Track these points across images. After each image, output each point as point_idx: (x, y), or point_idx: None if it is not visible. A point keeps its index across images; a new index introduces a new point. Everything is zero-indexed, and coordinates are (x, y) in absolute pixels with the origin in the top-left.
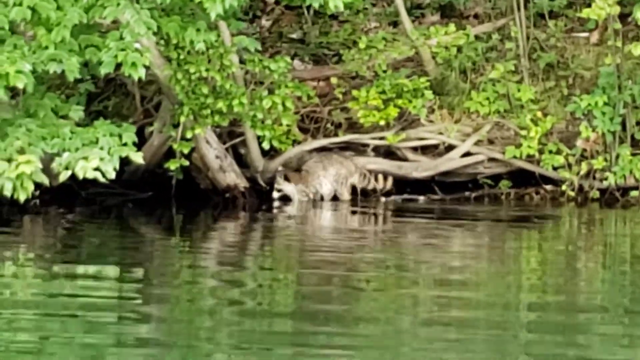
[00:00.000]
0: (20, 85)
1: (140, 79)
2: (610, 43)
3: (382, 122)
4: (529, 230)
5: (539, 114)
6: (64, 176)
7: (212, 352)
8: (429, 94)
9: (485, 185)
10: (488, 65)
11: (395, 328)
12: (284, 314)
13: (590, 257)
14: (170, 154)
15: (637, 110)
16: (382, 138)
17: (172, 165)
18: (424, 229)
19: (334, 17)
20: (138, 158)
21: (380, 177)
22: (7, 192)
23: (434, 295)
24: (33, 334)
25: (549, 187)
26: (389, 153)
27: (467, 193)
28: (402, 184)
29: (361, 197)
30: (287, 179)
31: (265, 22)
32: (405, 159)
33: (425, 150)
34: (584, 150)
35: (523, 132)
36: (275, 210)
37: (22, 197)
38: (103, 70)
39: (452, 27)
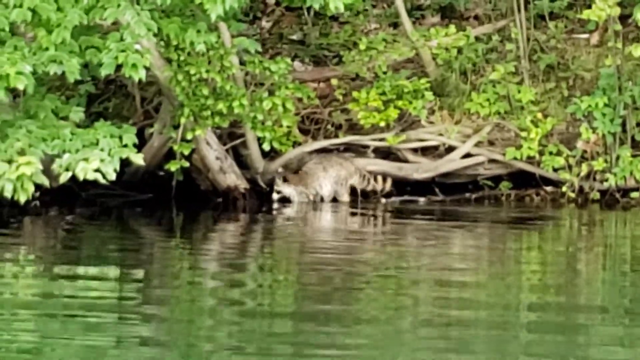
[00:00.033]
0: (20, 87)
1: (140, 81)
2: (610, 44)
3: (382, 124)
4: (529, 232)
5: (539, 115)
6: (64, 177)
7: (212, 352)
8: (429, 95)
9: (485, 187)
10: (488, 66)
11: (395, 328)
12: (284, 314)
13: (591, 258)
14: (170, 155)
15: (637, 112)
16: (382, 139)
17: (173, 166)
18: (424, 230)
19: (334, 18)
20: (138, 159)
21: (380, 178)
22: (8, 194)
23: (434, 296)
24: (33, 335)
25: (549, 188)
26: (389, 154)
27: (467, 194)
28: (403, 186)
29: (361, 199)
30: (286, 180)
31: (266, 24)
32: (405, 160)
33: (425, 151)
34: (584, 151)
35: (523, 134)
36: (275, 212)
37: (22, 199)
38: (103, 72)
39: (452, 28)
